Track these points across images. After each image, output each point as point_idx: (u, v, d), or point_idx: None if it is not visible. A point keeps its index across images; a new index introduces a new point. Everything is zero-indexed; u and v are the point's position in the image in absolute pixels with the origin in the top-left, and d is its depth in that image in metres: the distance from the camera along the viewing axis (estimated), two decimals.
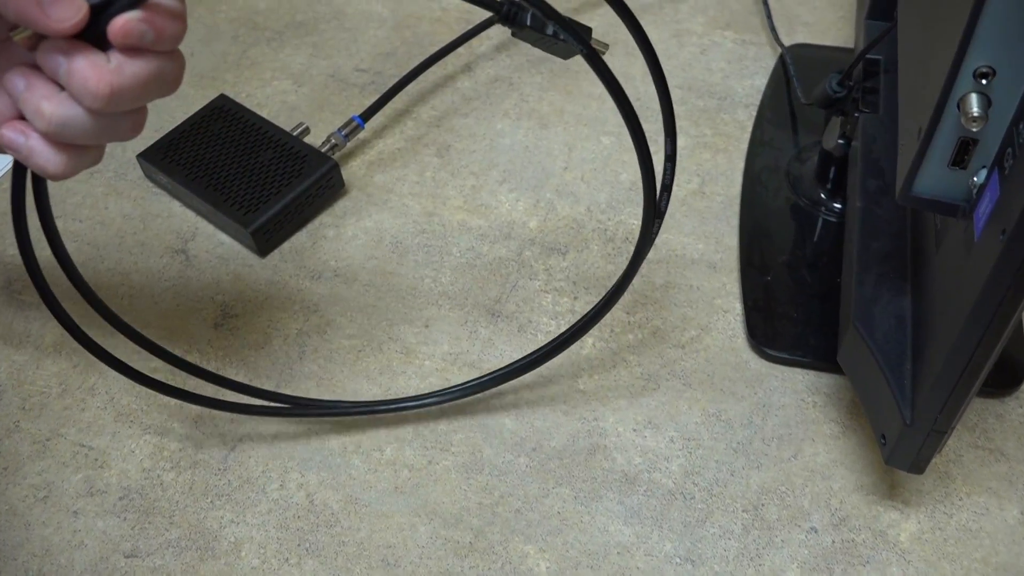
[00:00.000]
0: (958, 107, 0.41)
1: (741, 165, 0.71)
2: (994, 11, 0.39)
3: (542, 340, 0.62)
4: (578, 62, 0.79)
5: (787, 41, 0.80)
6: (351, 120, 0.72)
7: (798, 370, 0.60)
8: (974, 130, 0.41)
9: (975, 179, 0.43)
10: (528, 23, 0.46)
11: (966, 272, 0.43)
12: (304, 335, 0.63)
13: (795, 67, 0.76)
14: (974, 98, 0.41)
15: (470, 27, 0.80)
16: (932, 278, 0.49)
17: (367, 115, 0.73)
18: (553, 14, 0.42)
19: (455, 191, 0.71)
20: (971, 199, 0.44)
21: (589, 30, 0.46)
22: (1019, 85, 0.40)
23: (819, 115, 0.72)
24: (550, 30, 0.46)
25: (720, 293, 0.64)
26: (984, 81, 0.40)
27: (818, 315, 0.61)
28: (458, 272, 0.66)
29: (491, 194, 0.70)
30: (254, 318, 0.64)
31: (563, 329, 0.62)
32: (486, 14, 0.79)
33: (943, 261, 0.47)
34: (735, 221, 0.68)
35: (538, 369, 0.60)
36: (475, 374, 0.60)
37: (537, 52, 0.80)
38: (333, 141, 0.71)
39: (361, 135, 0.74)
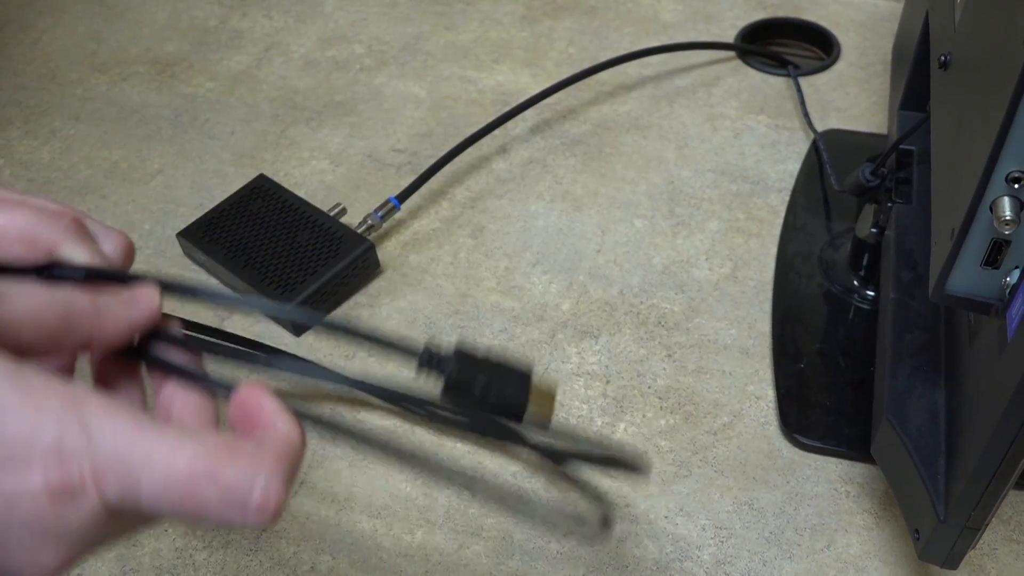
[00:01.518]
0: (990, 210, 0.42)
1: (774, 250, 0.72)
2: None
3: (575, 424, 0.62)
4: (613, 144, 0.80)
5: (820, 126, 0.81)
6: (387, 201, 0.73)
7: (831, 459, 0.60)
8: (1006, 232, 0.42)
9: (1008, 279, 0.44)
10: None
11: (1000, 371, 0.43)
12: (337, 415, 0.64)
13: (828, 152, 0.76)
14: (1006, 202, 0.41)
15: (506, 109, 0.81)
16: (966, 373, 0.49)
17: (403, 196, 0.74)
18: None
19: (488, 272, 0.71)
20: (1004, 298, 0.44)
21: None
22: None
23: (852, 201, 0.72)
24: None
25: (753, 379, 0.64)
26: (1016, 185, 0.41)
27: (852, 404, 0.61)
28: None
29: (524, 276, 0.71)
30: (286, 397, 0.65)
31: (595, 413, 0.63)
32: (523, 95, 0.81)
33: (977, 357, 0.47)
34: (768, 306, 0.68)
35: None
36: (506, 459, 0.60)
37: (572, 134, 0.82)
38: (369, 222, 0.72)
39: (397, 215, 0.75)
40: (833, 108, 0.83)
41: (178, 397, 0.33)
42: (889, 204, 0.63)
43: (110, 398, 0.28)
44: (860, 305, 0.67)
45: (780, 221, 0.73)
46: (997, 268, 0.44)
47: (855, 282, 0.67)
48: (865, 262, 0.67)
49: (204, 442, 0.28)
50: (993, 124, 0.40)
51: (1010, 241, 0.43)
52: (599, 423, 0.62)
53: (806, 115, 0.81)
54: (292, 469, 0.30)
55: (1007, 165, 0.41)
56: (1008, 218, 0.41)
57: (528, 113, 0.83)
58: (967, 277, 0.45)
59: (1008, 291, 0.44)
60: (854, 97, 0.84)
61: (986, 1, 0.47)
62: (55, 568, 0.28)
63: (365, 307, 0.70)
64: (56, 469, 0.26)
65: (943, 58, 0.54)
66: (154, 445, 0.27)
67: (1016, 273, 0.43)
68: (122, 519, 0.29)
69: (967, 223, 0.43)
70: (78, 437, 0.27)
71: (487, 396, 0.35)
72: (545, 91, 0.82)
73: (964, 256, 0.44)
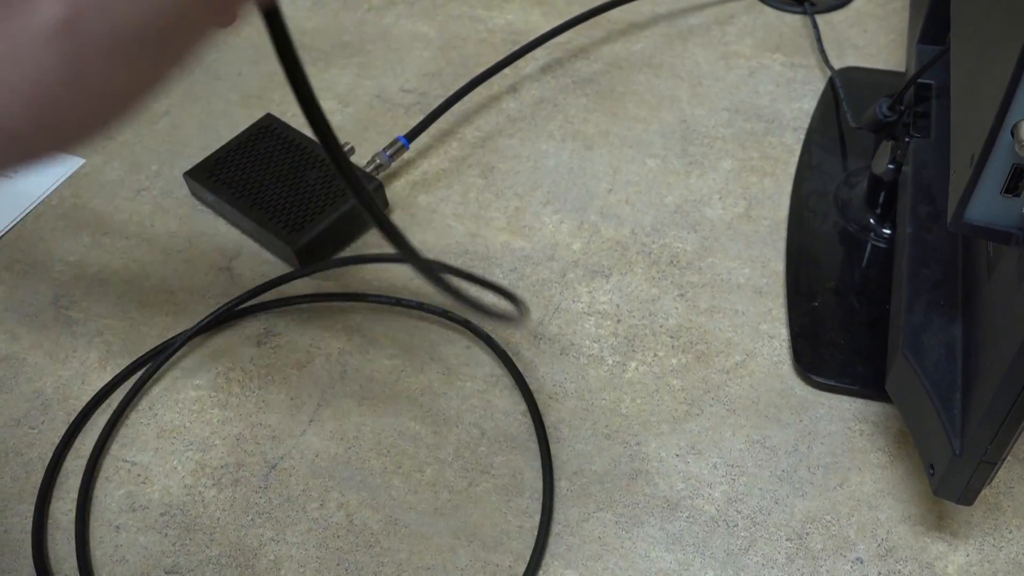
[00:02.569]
0: (1012, 134, 0.41)
1: (788, 189, 0.70)
2: None
3: (584, 363, 0.62)
4: (625, 84, 0.79)
5: (837, 64, 0.79)
6: (396, 140, 0.72)
7: (845, 398, 0.59)
8: None
9: None
10: None
11: (1019, 300, 0.42)
12: (346, 354, 0.63)
13: (845, 90, 0.75)
14: None
15: (516, 48, 0.80)
16: (984, 306, 0.48)
17: (412, 135, 0.73)
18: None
19: (499, 212, 0.70)
20: None
21: None
22: None
23: (869, 139, 0.71)
24: None
25: (766, 318, 0.63)
26: None
27: (866, 342, 0.60)
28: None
29: (535, 216, 0.70)
30: (297, 337, 0.64)
31: (606, 352, 0.62)
32: (533, 34, 0.80)
33: (995, 289, 0.46)
34: (782, 245, 0.67)
35: (579, 391, 0.60)
36: (515, 396, 0.60)
37: (583, 73, 0.80)
38: (378, 161, 0.71)
39: (406, 155, 0.74)
40: (850, 46, 0.81)
41: None
42: (907, 139, 0.61)
43: None
44: (876, 243, 0.65)
45: (795, 160, 0.72)
46: (1018, 196, 0.43)
47: (871, 220, 0.66)
48: (882, 199, 0.65)
49: None
50: (1015, 45, 0.39)
51: None
52: (610, 362, 0.61)
53: (822, 52, 0.79)
54: None
55: None
56: None
57: (538, 52, 0.81)
58: (987, 205, 0.44)
59: None
60: (872, 35, 0.82)
61: None
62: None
63: (373, 247, 0.69)
64: None
65: None
66: None
67: None
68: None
69: (988, 147, 0.42)
70: None
71: None
72: (555, 29, 0.80)
73: (984, 183, 0.43)
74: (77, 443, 0.60)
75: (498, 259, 0.68)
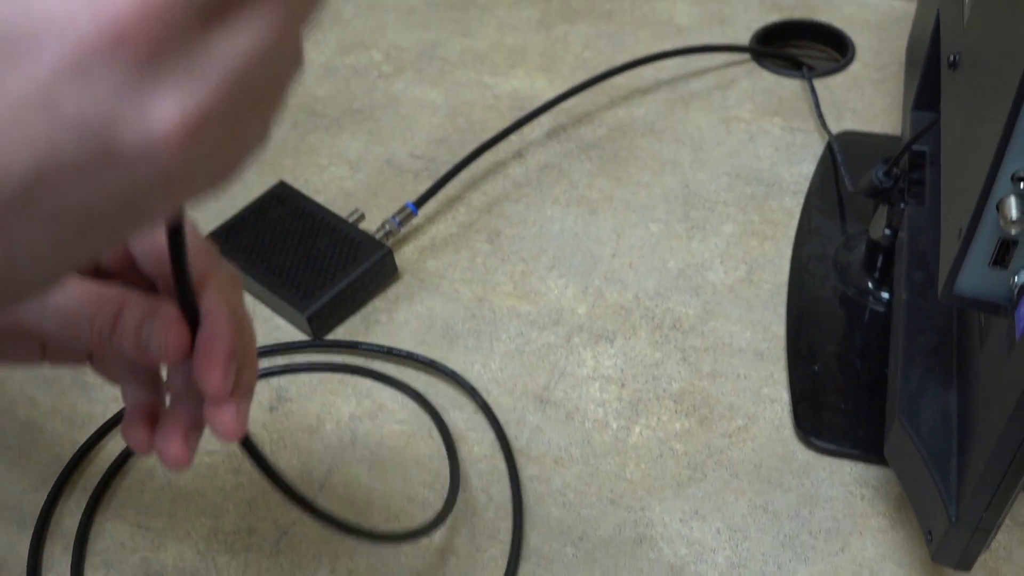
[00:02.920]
0: (997, 209, 0.42)
1: (788, 252, 0.72)
2: None
3: (590, 427, 0.63)
4: (628, 148, 0.81)
5: (835, 128, 0.81)
6: (405, 207, 0.74)
7: (846, 461, 0.60)
8: (1013, 232, 0.42)
9: (1016, 279, 0.44)
10: None
11: (1008, 370, 0.43)
12: (356, 419, 0.64)
13: (843, 154, 0.76)
14: (1013, 201, 0.41)
15: (522, 114, 0.82)
16: (977, 374, 0.49)
17: (420, 201, 0.75)
18: None
19: (505, 277, 0.72)
20: (1013, 298, 0.44)
21: None
22: None
23: (867, 203, 0.72)
24: None
25: (767, 382, 0.64)
26: (1022, 184, 0.41)
27: (866, 406, 0.61)
28: (507, 358, 0.67)
29: (540, 280, 0.72)
30: (308, 402, 0.66)
31: (610, 417, 0.63)
32: (538, 100, 0.82)
33: (987, 357, 0.47)
34: (782, 309, 0.68)
35: (585, 456, 0.61)
36: (522, 461, 0.61)
37: (587, 139, 0.82)
38: (387, 228, 0.73)
39: (414, 221, 0.76)
40: (848, 109, 0.83)
41: None
42: (902, 205, 0.63)
43: None
44: (875, 307, 0.67)
45: (795, 223, 0.74)
46: (1006, 268, 0.44)
47: (869, 284, 0.67)
48: (879, 264, 0.67)
49: None
50: (998, 123, 0.40)
51: (1017, 241, 0.43)
52: (614, 426, 0.63)
53: (820, 117, 0.81)
54: None
55: (1013, 164, 0.41)
56: (1015, 218, 0.41)
57: (544, 118, 0.83)
58: (975, 277, 0.45)
59: (1016, 291, 0.44)
60: (869, 98, 0.84)
61: (993, 1, 0.47)
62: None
63: (383, 312, 0.71)
64: (108, 16, 0.23)
65: (952, 58, 0.54)
66: None
67: None
68: (223, 24, 0.25)
69: (974, 222, 0.43)
70: None
71: None
72: (561, 96, 0.82)
73: (972, 256, 0.44)
74: (116, 501, 0.62)
75: (504, 324, 0.69)
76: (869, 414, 0.61)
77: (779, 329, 0.67)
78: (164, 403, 0.41)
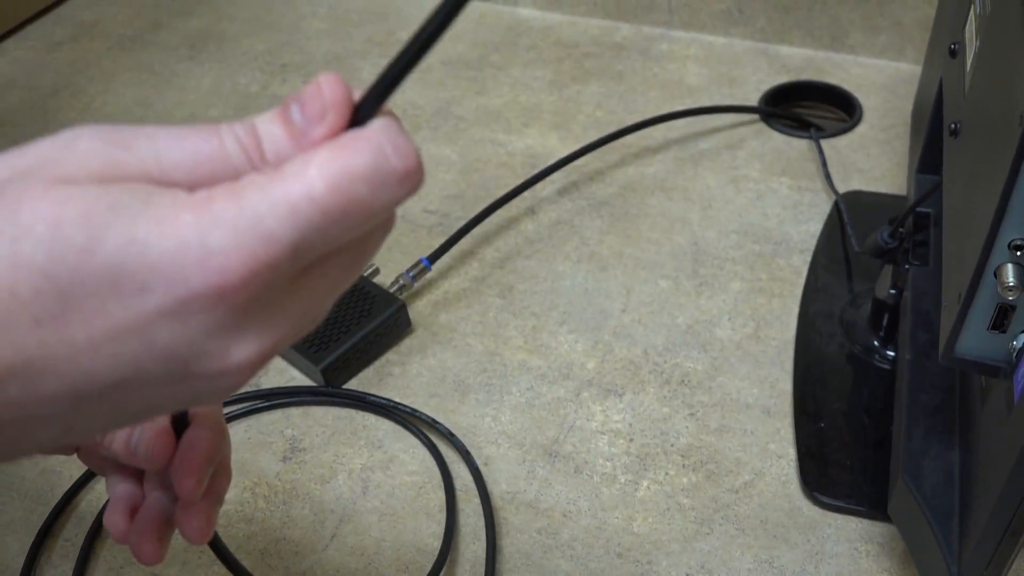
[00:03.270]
0: (995, 276, 0.43)
1: (796, 310, 0.73)
2: None
3: (598, 481, 0.64)
4: (639, 206, 0.82)
5: (842, 188, 0.82)
6: (419, 262, 0.76)
7: (851, 518, 0.61)
8: (1010, 298, 0.43)
9: (1015, 343, 0.45)
10: None
11: (1007, 432, 0.44)
12: (368, 470, 0.65)
13: (850, 214, 0.78)
14: (1010, 268, 0.43)
15: (535, 171, 0.84)
16: (978, 434, 0.50)
17: (434, 257, 0.77)
18: None
19: (516, 331, 0.73)
20: (1012, 361, 0.45)
21: None
22: None
23: (873, 262, 0.74)
24: None
25: (774, 438, 0.65)
26: (1019, 252, 0.42)
27: (872, 463, 0.62)
28: (517, 411, 0.68)
29: (551, 335, 0.73)
30: (321, 453, 0.67)
31: (618, 471, 0.64)
32: (551, 158, 0.84)
33: (988, 418, 0.48)
34: (789, 366, 0.69)
35: (593, 510, 0.62)
36: (531, 514, 0.62)
37: (598, 196, 0.84)
38: (401, 282, 0.75)
39: (428, 275, 0.77)
40: (855, 169, 0.84)
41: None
42: (906, 266, 0.64)
43: (231, 187, 0.27)
44: (880, 365, 0.68)
45: (802, 281, 0.75)
46: (1004, 332, 0.45)
47: (875, 342, 0.68)
48: (885, 322, 0.68)
49: (315, 157, 0.27)
50: (996, 192, 0.42)
51: (1015, 306, 0.44)
52: (622, 480, 0.63)
53: (827, 177, 0.83)
54: (398, 124, 0.29)
55: (1009, 233, 0.42)
56: (1011, 284, 0.42)
57: (556, 175, 0.85)
58: (975, 340, 0.46)
59: (1015, 354, 0.45)
60: (876, 159, 0.85)
61: (990, 72, 0.49)
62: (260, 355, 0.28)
63: (396, 364, 0.72)
64: (217, 276, 0.26)
65: (953, 126, 0.55)
66: (290, 188, 0.27)
67: (1022, 337, 0.45)
68: (309, 276, 0.29)
69: (972, 288, 0.44)
70: (224, 235, 0.26)
71: None
72: (573, 154, 0.84)
73: (971, 320, 0.46)
74: (106, 554, 0.63)
75: (515, 377, 0.70)
76: (875, 471, 0.62)
77: (786, 385, 0.68)
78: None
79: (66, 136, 0.27)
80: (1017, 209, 0.41)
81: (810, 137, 0.88)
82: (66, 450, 0.45)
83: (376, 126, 0.28)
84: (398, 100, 0.97)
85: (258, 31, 1.10)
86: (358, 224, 0.28)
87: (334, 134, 0.28)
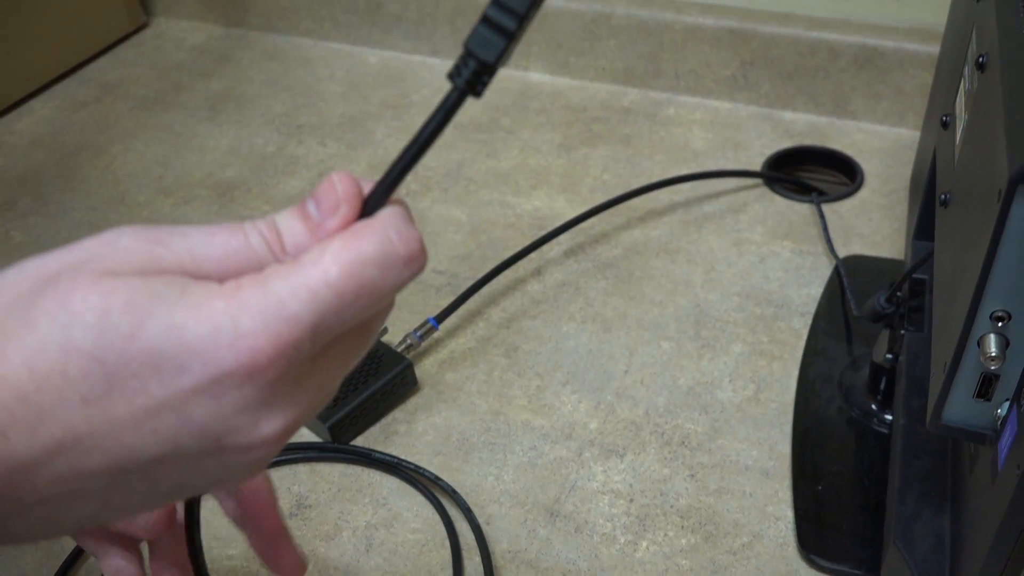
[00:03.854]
0: (978, 345, 0.45)
1: (796, 372, 0.74)
2: (1005, 261, 0.42)
3: (597, 541, 0.64)
4: (643, 268, 0.84)
5: (843, 252, 0.84)
6: (426, 322, 0.77)
7: None
8: (993, 368, 0.44)
9: (999, 411, 0.46)
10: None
11: (992, 499, 0.45)
12: (372, 528, 0.67)
13: (850, 277, 0.79)
14: (992, 339, 0.44)
15: (542, 233, 0.85)
16: (966, 500, 0.51)
17: (441, 316, 0.78)
18: None
19: (520, 391, 0.75)
20: (997, 429, 0.46)
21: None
22: None
23: (873, 325, 0.75)
24: None
25: (772, 500, 0.66)
26: (1000, 323, 0.44)
27: (868, 526, 0.63)
28: (520, 471, 0.69)
29: (555, 395, 0.74)
30: (326, 509, 0.68)
31: (618, 531, 0.65)
32: (558, 220, 0.86)
33: (975, 485, 0.49)
34: (788, 428, 0.70)
35: (592, 570, 0.63)
36: (532, 573, 0.63)
37: (604, 258, 0.86)
38: (409, 341, 0.76)
39: (435, 335, 0.79)
40: (856, 234, 0.86)
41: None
42: (902, 331, 0.65)
43: (257, 277, 0.31)
44: (878, 429, 0.68)
45: (803, 344, 0.76)
46: (989, 400, 0.46)
47: (873, 406, 0.69)
48: (882, 387, 0.69)
49: (329, 246, 0.30)
50: (978, 264, 0.43)
51: (999, 375, 0.45)
52: (622, 541, 0.64)
53: (828, 241, 0.84)
54: (405, 211, 0.32)
55: (990, 304, 0.43)
56: (993, 354, 0.44)
57: (563, 237, 0.87)
58: (961, 408, 0.47)
59: (999, 422, 0.46)
60: (876, 223, 0.87)
61: (975, 147, 0.50)
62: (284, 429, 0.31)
63: (402, 423, 0.73)
64: (246, 355, 0.29)
65: (944, 196, 0.57)
66: (308, 275, 0.30)
67: (1007, 405, 0.46)
68: (325, 355, 0.32)
69: (956, 358, 0.45)
70: (252, 319, 0.29)
71: None
72: (579, 217, 0.86)
73: (956, 388, 0.47)
74: None
75: (518, 437, 0.71)
76: (871, 534, 0.62)
77: (785, 448, 0.69)
78: (143, 572, 0.44)
79: (110, 235, 0.31)
80: (997, 281, 0.43)
81: (812, 201, 0.89)
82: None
83: (383, 216, 0.31)
84: None
85: (276, 93, 1.13)
86: (369, 304, 0.31)
87: (347, 224, 0.31)
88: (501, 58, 0.32)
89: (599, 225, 0.89)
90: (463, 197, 0.94)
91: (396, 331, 0.79)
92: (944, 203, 0.57)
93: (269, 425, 0.31)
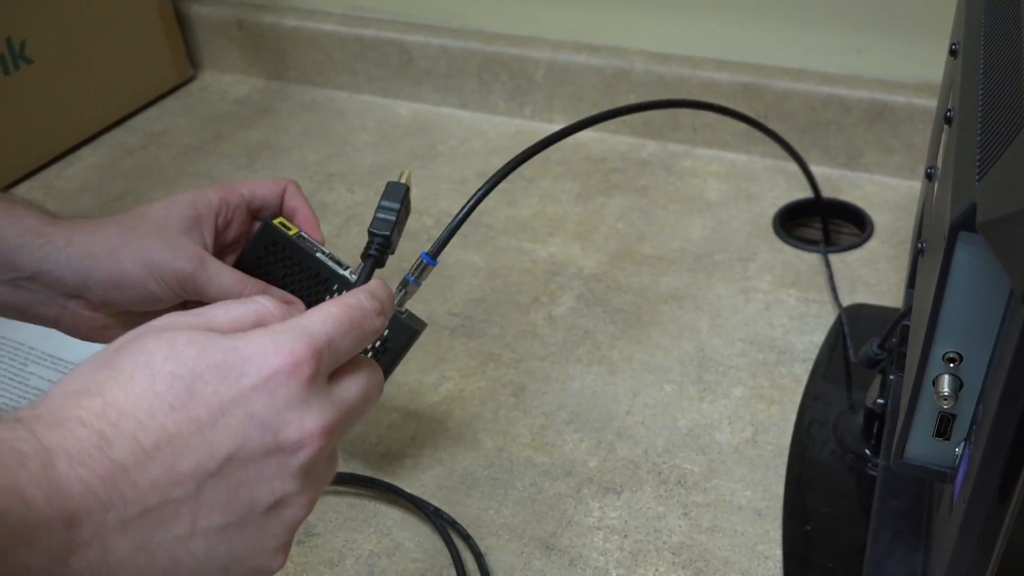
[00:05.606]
0: (933, 385, 0.47)
1: (794, 417, 0.76)
2: (952, 304, 0.44)
3: (590, 575, 0.67)
4: (651, 313, 0.86)
5: (849, 300, 0.86)
6: (419, 258, 0.79)
7: None
8: (946, 407, 0.46)
9: (957, 450, 0.48)
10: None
11: (948, 535, 0.46)
12: (375, 556, 0.69)
13: (851, 326, 0.81)
14: (945, 379, 0.46)
15: (555, 278, 0.88)
16: (933, 537, 0.52)
17: (434, 252, 0.80)
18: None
19: (525, 429, 0.77)
20: (955, 467, 0.48)
21: None
22: (982, 370, 0.45)
23: (870, 373, 0.77)
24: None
25: (763, 539, 0.68)
26: (952, 364, 0.46)
27: (854, 567, 0.64)
28: (519, 505, 0.71)
29: (557, 433, 0.77)
30: (332, 537, 0.71)
31: (611, 566, 0.67)
32: (572, 266, 0.89)
33: (939, 521, 0.51)
34: (783, 470, 0.72)
35: None
36: None
37: (613, 303, 0.89)
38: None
39: (449, 374, 0.82)
40: (862, 283, 0.88)
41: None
42: (891, 376, 0.67)
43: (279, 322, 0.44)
44: (870, 472, 0.70)
45: (802, 389, 0.78)
46: (948, 439, 0.48)
47: (866, 450, 0.71)
48: (875, 431, 0.70)
49: (333, 301, 0.45)
50: (928, 306, 0.45)
51: (955, 415, 0.47)
52: (613, 575, 0.66)
53: (834, 290, 0.86)
54: (378, 284, 0.49)
55: (941, 346, 0.45)
56: (946, 394, 0.46)
57: (575, 283, 0.90)
58: (922, 447, 0.49)
59: (957, 460, 0.48)
60: (883, 273, 0.89)
61: (940, 196, 0.53)
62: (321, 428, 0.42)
63: (410, 456, 0.76)
64: (288, 356, 0.41)
65: (921, 245, 0.59)
66: (320, 312, 0.44)
67: (964, 445, 0.48)
68: (339, 376, 0.44)
69: (914, 397, 0.48)
70: (287, 336, 0.42)
71: None
72: (592, 262, 0.89)
73: (916, 427, 0.49)
74: None
75: (520, 473, 0.74)
76: (855, 574, 0.64)
77: (779, 489, 0.71)
78: None
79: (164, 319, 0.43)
80: (946, 324, 0.45)
81: (820, 251, 0.91)
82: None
83: (363, 286, 0.48)
84: (433, 209, 1.03)
85: (310, 143, 1.18)
86: (361, 336, 0.45)
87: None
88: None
89: (611, 271, 0.92)
90: (481, 243, 0.98)
91: (408, 370, 0.82)
92: (921, 252, 0.59)
93: (312, 420, 0.41)
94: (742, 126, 1.05)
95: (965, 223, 0.41)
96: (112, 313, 0.63)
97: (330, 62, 1.25)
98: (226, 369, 0.40)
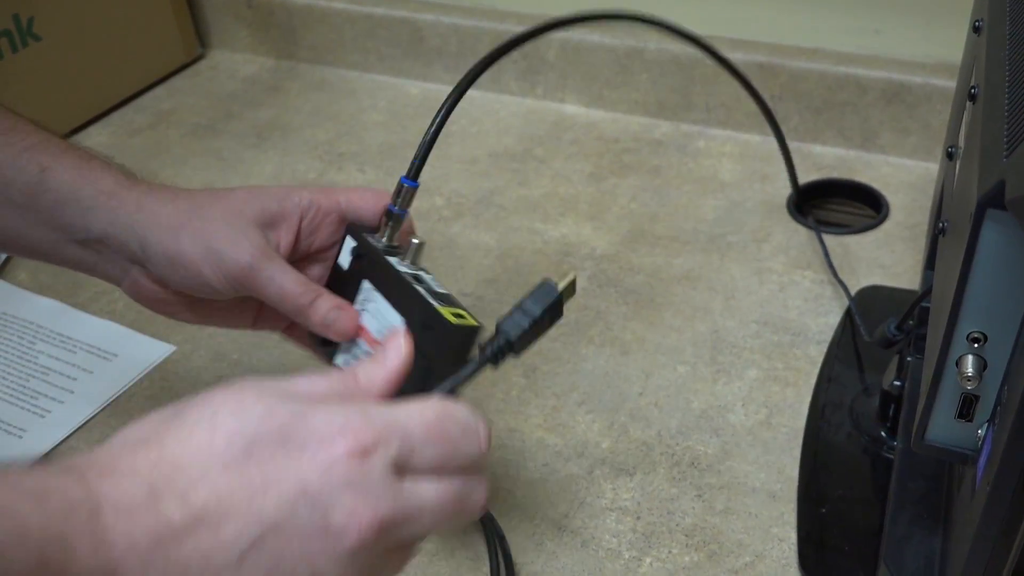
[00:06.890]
0: (956, 365, 0.46)
1: (808, 399, 0.75)
2: (978, 283, 0.43)
3: (603, 556, 0.66)
4: (664, 295, 0.86)
5: (864, 282, 0.85)
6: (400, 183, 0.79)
7: None
8: (969, 388, 0.45)
9: (980, 431, 0.47)
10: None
11: (970, 518, 0.46)
12: None
13: (867, 307, 0.80)
14: (969, 360, 0.45)
15: (567, 258, 0.88)
16: (953, 520, 0.52)
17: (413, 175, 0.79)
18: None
19: (537, 410, 0.77)
20: (978, 449, 0.47)
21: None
22: (1008, 350, 0.44)
23: (886, 354, 0.76)
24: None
25: (777, 522, 0.67)
26: (976, 345, 0.45)
27: (869, 549, 0.63)
28: (531, 486, 0.71)
29: (569, 415, 0.76)
30: None
31: (623, 547, 0.66)
32: (584, 246, 0.88)
33: (960, 504, 0.50)
34: (798, 452, 0.71)
35: None
36: None
37: (626, 284, 0.88)
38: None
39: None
40: (878, 265, 0.87)
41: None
42: (908, 358, 0.66)
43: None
44: (886, 455, 0.69)
45: (816, 371, 0.77)
46: (971, 421, 0.48)
47: (882, 433, 0.70)
48: (891, 413, 0.70)
49: (433, 398, 0.43)
50: (953, 286, 0.45)
51: (979, 396, 0.47)
52: (626, 556, 0.66)
53: (832, 269, 0.85)
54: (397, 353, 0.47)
55: (966, 325, 0.45)
56: (970, 375, 0.45)
57: (588, 263, 0.89)
58: (944, 429, 0.49)
59: (980, 442, 0.47)
60: (899, 255, 0.88)
61: (963, 175, 0.52)
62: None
63: None
64: (353, 439, 0.39)
65: (941, 225, 0.58)
66: (407, 410, 0.42)
67: (986, 426, 0.47)
68: (418, 480, 0.41)
69: (936, 378, 0.47)
70: (360, 417, 0.40)
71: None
72: (605, 243, 0.88)
73: (938, 409, 0.48)
74: None
75: (532, 454, 0.73)
76: (871, 556, 0.63)
77: (793, 471, 0.70)
78: None
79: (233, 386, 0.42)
80: (971, 303, 0.44)
81: (835, 232, 0.90)
82: (275, 327, 0.66)
83: (396, 354, 0.46)
84: (443, 189, 1.02)
85: (320, 122, 1.17)
86: (451, 451, 0.42)
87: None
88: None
89: (623, 252, 0.91)
90: (493, 223, 0.97)
91: None
92: (942, 232, 0.58)
93: (366, 508, 0.38)
94: (755, 106, 1.03)
95: (993, 200, 0.40)
96: (173, 291, 0.61)
97: (340, 41, 1.24)
98: (288, 435, 0.38)
